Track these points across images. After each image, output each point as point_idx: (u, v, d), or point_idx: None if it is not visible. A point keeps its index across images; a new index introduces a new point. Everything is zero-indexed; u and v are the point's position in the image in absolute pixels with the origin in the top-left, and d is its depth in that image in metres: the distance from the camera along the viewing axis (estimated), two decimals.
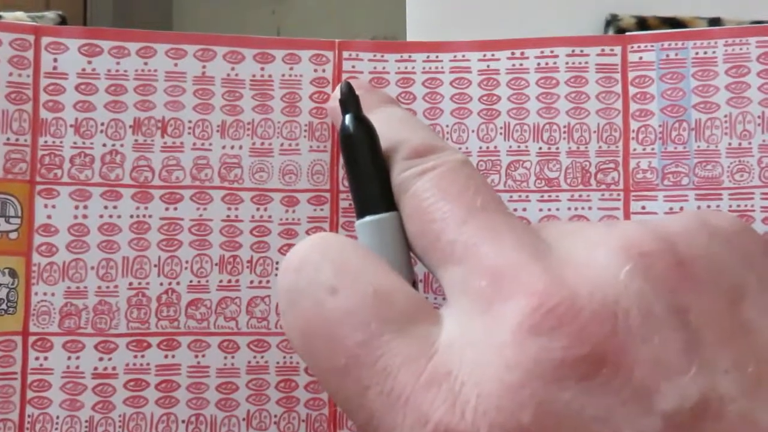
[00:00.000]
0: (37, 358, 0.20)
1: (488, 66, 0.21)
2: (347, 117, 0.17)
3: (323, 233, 0.15)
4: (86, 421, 0.20)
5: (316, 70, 0.21)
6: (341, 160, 0.21)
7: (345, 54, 0.21)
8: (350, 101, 0.17)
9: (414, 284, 0.17)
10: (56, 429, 0.19)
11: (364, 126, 0.17)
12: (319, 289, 0.14)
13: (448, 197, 0.15)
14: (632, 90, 0.21)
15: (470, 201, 0.15)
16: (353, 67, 0.21)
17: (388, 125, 0.18)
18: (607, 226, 0.14)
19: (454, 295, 0.14)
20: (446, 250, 0.14)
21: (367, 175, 0.17)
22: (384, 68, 0.21)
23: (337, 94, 0.19)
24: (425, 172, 0.16)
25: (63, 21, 0.21)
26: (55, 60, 0.20)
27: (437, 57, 0.21)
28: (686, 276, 0.12)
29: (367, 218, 0.17)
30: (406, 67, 0.21)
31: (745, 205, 0.20)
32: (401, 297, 0.13)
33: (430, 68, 0.21)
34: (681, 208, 0.20)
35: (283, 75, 0.21)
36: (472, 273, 0.13)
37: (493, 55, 0.21)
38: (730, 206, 0.20)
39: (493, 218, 0.14)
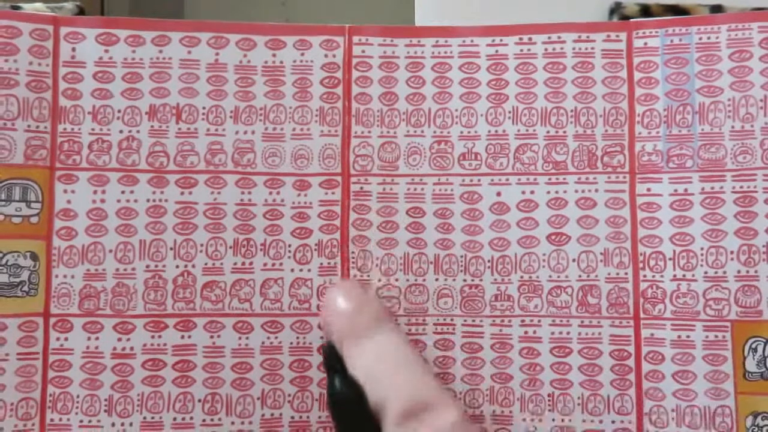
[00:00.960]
0: (57, 339, 0.22)
1: (497, 51, 0.23)
2: (335, 379, 0.19)
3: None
4: (105, 400, 0.22)
5: (326, 56, 0.23)
6: (352, 144, 0.23)
7: (355, 39, 0.23)
8: (334, 362, 0.19)
9: None
10: (77, 407, 0.22)
11: (350, 389, 0.18)
12: None
13: None
14: (637, 75, 0.23)
15: None
16: (363, 51, 0.23)
17: (378, 367, 0.19)
18: None
19: None
20: None
21: None
22: (394, 53, 0.23)
23: (328, 304, 0.21)
24: None
25: (81, 11, 0.23)
26: (74, 49, 0.22)
27: (446, 42, 0.23)
28: None
29: None
30: (415, 52, 0.23)
31: (748, 187, 0.22)
32: None
33: (439, 53, 0.23)
34: (685, 190, 0.22)
35: (295, 61, 0.23)
36: None
37: (501, 40, 0.23)
38: (734, 187, 0.22)
39: None
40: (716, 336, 0.21)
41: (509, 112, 0.23)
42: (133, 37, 0.22)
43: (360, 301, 0.21)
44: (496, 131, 0.23)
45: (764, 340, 0.21)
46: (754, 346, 0.21)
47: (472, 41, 0.23)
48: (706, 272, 0.22)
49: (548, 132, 0.23)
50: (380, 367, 0.19)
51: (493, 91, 0.23)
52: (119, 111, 0.22)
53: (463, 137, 0.23)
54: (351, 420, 0.18)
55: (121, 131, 0.22)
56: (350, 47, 0.23)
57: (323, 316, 0.22)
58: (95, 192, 0.22)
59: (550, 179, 0.23)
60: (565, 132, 0.23)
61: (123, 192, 0.22)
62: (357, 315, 0.21)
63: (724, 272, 0.22)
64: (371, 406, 0.18)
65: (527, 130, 0.23)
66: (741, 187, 0.22)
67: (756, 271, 0.21)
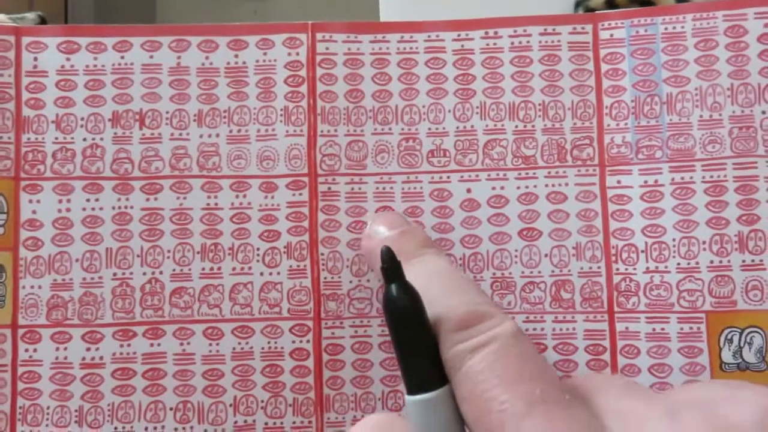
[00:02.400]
0: (26, 350, 0.24)
1: (462, 46, 0.26)
2: (393, 287, 0.19)
3: (373, 418, 0.18)
4: (76, 411, 0.24)
5: (290, 54, 0.26)
6: (318, 143, 0.25)
7: (318, 36, 0.26)
8: (393, 269, 0.19)
9: None
10: (47, 419, 0.24)
11: (410, 296, 0.19)
12: None
13: (503, 384, 0.17)
14: (604, 67, 0.25)
15: (528, 391, 0.17)
16: (327, 49, 0.26)
17: (430, 285, 0.20)
18: (670, 419, 0.16)
19: None
20: None
21: (415, 348, 0.19)
22: (358, 49, 0.26)
23: (371, 233, 0.23)
24: (476, 350, 0.18)
25: (43, 21, 0.26)
26: (36, 59, 0.24)
27: (411, 37, 0.26)
28: None
29: (419, 396, 0.19)
30: (380, 48, 0.26)
31: (718, 176, 0.24)
32: None
33: (404, 48, 0.26)
34: (655, 181, 0.24)
35: (257, 61, 0.25)
36: None
37: (467, 34, 0.26)
38: (703, 177, 0.24)
39: (553, 412, 0.17)
40: (691, 328, 0.24)
41: (477, 107, 0.25)
42: (95, 44, 0.25)
43: (403, 227, 0.23)
44: (464, 127, 0.25)
45: (739, 330, 0.23)
46: (729, 336, 0.23)
47: (437, 36, 0.26)
48: (678, 263, 0.24)
49: (517, 126, 0.25)
50: (433, 285, 0.20)
51: (460, 86, 0.26)
52: (82, 119, 0.25)
53: (432, 134, 0.25)
54: (408, 328, 0.19)
55: (84, 139, 0.25)
56: (314, 44, 0.26)
57: (366, 246, 0.24)
58: (60, 201, 0.24)
59: (519, 174, 0.25)
60: (533, 126, 0.25)
61: (88, 200, 0.25)
62: (402, 239, 0.23)
63: (697, 263, 0.24)
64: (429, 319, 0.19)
65: (495, 125, 0.25)
66: (711, 176, 0.24)
67: (729, 261, 0.24)
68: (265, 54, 0.26)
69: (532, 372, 0.18)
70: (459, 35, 0.26)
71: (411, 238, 0.23)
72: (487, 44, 0.25)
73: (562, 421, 0.17)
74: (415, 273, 0.20)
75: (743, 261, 0.24)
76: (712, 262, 0.24)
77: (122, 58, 0.25)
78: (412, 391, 0.19)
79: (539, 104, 0.25)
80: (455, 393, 0.19)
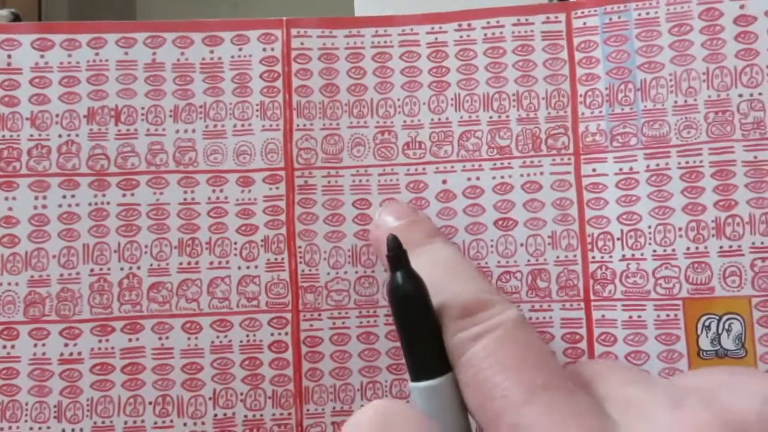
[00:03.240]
0: (4, 347, 0.23)
1: (436, 39, 0.25)
2: (398, 275, 0.19)
3: (379, 404, 0.17)
4: (55, 406, 0.23)
5: (264, 49, 0.25)
6: (294, 137, 0.24)
7: (293, 31, 0.25)
8: (399, 257, 0.19)
9: None
10: (26, 415, 0.23)
11: (414, 284, 0.19)
12: None
13: (506, 371, 0.17)
14: (578, 55, 0.24)
15: (530, 378, 0.17)
16: (302, 44, 0.25)
17: (435, 273, 0.20)
18: (672, 407, 0.16)
19: None
20: (498, 423, 0.16)
21: (419, 335, 0.19)
22: (333, 44, 0.25)
23: (379, 222, 0.23)
24: (479, 338, 0.18)
25: (17, 18, 0.25)
26: (9, 56, 0.24)
27: (386, 31, 0.25)
28: None
29: (424, 382, 0.19)
30: (355, 43, 0.25)
31: (694, 162, 0.23)
32: None
33: (379, 42, 0.25)
34: (630, 169, 0.23)
35: (233, 56, 0.25)
36: None
37: (440, 27, 0.25)
38: (679, 163, 0.23)
39: (554, 399, 0.16)
40: (668, 315, 0.23)
41: (451, 99, 0.24)
42: (69, 40, 0.24)
43: (411, 217, 0.23)
44: (439, 119, 0.24)
45: (717, 317, 0.22)
46: (707, 323, 0.22)
47: (411, 29, 0.25)
48: (654, 251, 0.23)
49: (491, 117, 0.24)
50: (438, 273, 0.20)
51: (434, 78, 0.25)
52: (57, 116, 0.24)
53: (407, 126, 0.25)
54: (413, 315, 0.19)
55: (60, 136, 0.24)
56: (288, 40, 0.25)
57: (374, 236, 0.23)
58: (36, 198, 0.24)
59: (494, 164, 0.24)
60: (507, 117, 0.24)
61: (64, 197, 0.24)
62: (409, 229, 0.22)
63: (673, 250, 0.23)
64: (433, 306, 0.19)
65: (470, 117, 0.24)
66: (687, 162, 0.23)
67: (706, 247, 0.23)
68: (240, 49, 0.25)
69: (534, 360, 0.17)
70: (433, 28, 0.25)
71: (418, 227, 0.22)
72: (461, 36, 0.25)
73: (563, 408, 0.16)
74: (421, 261, 0.20)
75: (720, 247, 0.23)
76: (688, 248, 0.23)
77: (97, 54, 0.24)
78: (416, 377, 0.19)
79: (513, 94, 0.24)
80: (458, 380, 0.18)
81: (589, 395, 0.17)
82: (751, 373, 0.18)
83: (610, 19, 0.24)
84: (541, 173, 0.24)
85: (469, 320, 0.18)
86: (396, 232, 0.21)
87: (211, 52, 0.25)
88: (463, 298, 0.19)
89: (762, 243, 0.22)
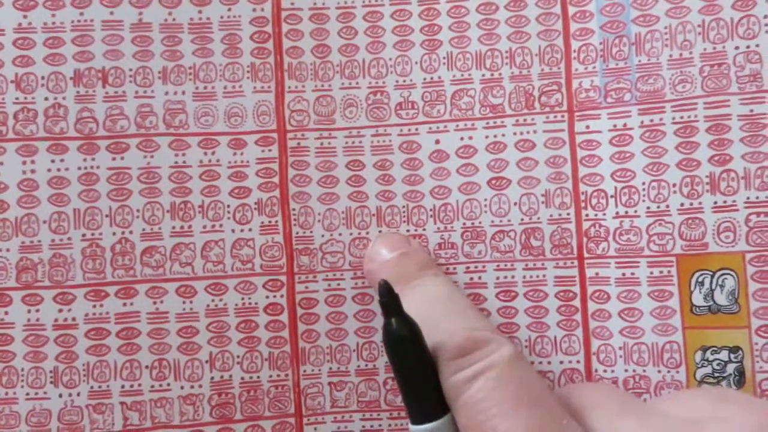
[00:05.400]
0: None
1: None
2: (392, 321, 0.18)
3: None
4: (51, 372, 0.21)
5: (254, 10, 0.22)
6: (286, 99, 0.22)
7: None
8: (391, 303, 0.18)
9: None
10: (22, 380, 0.21)
11: (408, 329, 0.18)
12: None
13: (502, 414, 0.16)
14: (571, 9, 0.22)
15: (526, 420, 0.16)
16: (292, 4, 0.22)
17: (429, 312, 0.19)
18: None
19: None
20: None
21: (416, 379, 0.18)
22: (324, 4, 0.23)
23: (372, 255, 0.21)
24: (475, 379, 0.17)
25: None
26: None
27: None
28: None
29: (423, 426, 0.18)
30: (346, 2, 0.23)
31: (689, 116, 0.21)
32: None
33: (369, 2, 0.22)
34: (624, 125, 0.21)
35: (222, 17, 0.22)
36: None
37: None
38: (673, 118, 0.21)
39: None
40: (661, 271, 0.21)
41: (444, 57, 0.22)
42: (52, 0, 0.21)
43: (404, 249, 0.21)
44: (432, 78, 0.22)
45: (711, 273, 0.21)
46: (700, 279, 0.21)
47: None
48: (648, 207, 0.21)
49: (483, 75, 0.22)
50: (432, 311, 0.19)
51: (426, 37, 0.22)
52: (43, 78, 0.21)
53: (399, 86, 0.22)
54: (409, 359, 0.18)
55: (46, 98, 0.21)
56: (279, 0, 0.22)
57: (368, 268, 0.22)
58: (24, 162, 0.21)
59: (487, 123, 0.22)
60: (500, 74, 0.22)
61: (53, 161, 0.21)
62: (402, 262, 0.21)
63: (667, 206, 0.21)
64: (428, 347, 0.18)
65: (462, 75, 0.22)
66: (681, 117, 0.21)
67: (700, 203, 0.21)
68: (229, 10, 0.22)
69: (530, 399, 0.17)
70: None
71: (411, 260, 0.21)
72: None
73: None
74: (414, 299, 0.19)
75: (715, 202, 0.21)
76: (682, 204, 0.21)
77: (81, 14, 0.22)
78: (415, 420, 0.18)
79: (506, 51, 0.22)
80: (456, 421, 0.17)
81: (581, 429, 0.17)
82: (733, 399, 0.17)
83: None
84: (535, 131, 0.22)
85: (464, 361, 0.17)
86: (389, 265, 0.20)
87: (200, 12, 0.22)
88: (457, 337, 0.18)
89: (757, 198, 0.20)
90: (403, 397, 0.18)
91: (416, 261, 0.21)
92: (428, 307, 0.19)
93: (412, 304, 0.18)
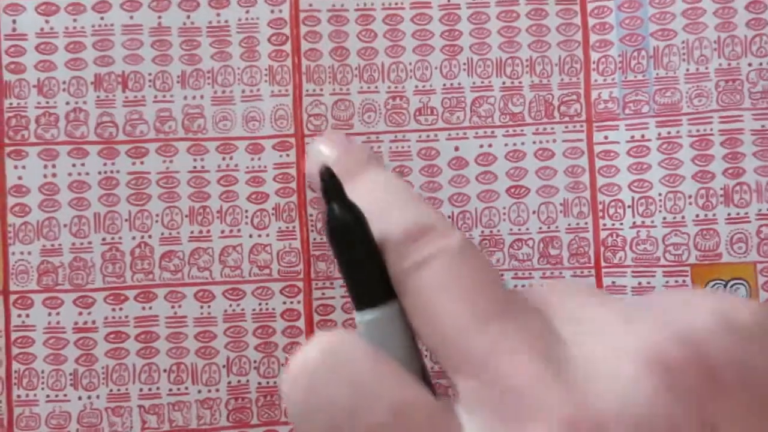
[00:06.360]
0: (19, 316, 0.27)
1: (449, 1, 0.28)
2: (333, 206, 0.20)
3: (328, 337, 0.18)
4: (71, 374, 0.27)
5: (272, 12, 0.28)
6: (304, 103, 0.28)
7: None
8: (333, 188, 0.20)
9: (425, 372, 0.20)
10: (42, 383, 0.27)
11: (351, 213, 0.20)
12: (335, 411, 0.17)
13: (452, 299, 0.18)
14: (591, 21, 0.28)
15: (478, 305, 0.18)
16: (311, 5, 0.28)
17: (374, 201, 0.21)
18: (625, 322, 0.17)
19: (471, 405, 0.17)
20: (458, 360, 0.18)
21: (360, 265, 0.20)
22: (343, 5, 0.28)
23: (311, 154, 0.25)
24: (423, 265, 0.19)
25: None
26: (14, 21, 0.27)
27: None
28: (715, 389, 0.15)
29: (368, 313, 0.20)
30: (365, 4, 0.28)
31: (705, 130, 0.27)
32: (421, 412, 0.17)
33: (390, 4, 0.28)
34: (642, 136, 0.27)
35: (240, 19, 0.28)
36: (490, 388, 0.17)
37: None
38: (690, 131, 0.27)
39: (503, 325, 0.18)
40: (676, 281, 0.27)
41: (464, 64, 0.28)
42: (74, 5, 0.27)
43: (345, 145, 0.25)
44: (452, 84, 0.28)
45: (724, 282, 0.27)
46: (714, 288, 0.27)
47: None
48: (664, 218, 0.27)
49: (504, 83, 0.28)
50: (378, 200, 0.21)
51: (446, 42, 0.28)
52: (64, 82, 0.27)
53: (418, 92, 0.28)
54: (353, 247, 0.20)
55: (67, 103, 0.27)
56: (297, 2, 0.28)
57: (309, 171, 0.26)
58: (46, 167, 0.27)
59: (507, 131, 0.28)
60: (520, 82, 0.28)
61: (74, 165, 0.27)
62: (344, 157, 0.24)
63: (683, 217, 0.27)
64: (374, 235, 0.20)
65: (483, 82, 0.28)
66: (697, 130, 0.27)
67: (714, 215, 0.27)
68: (247, 12, 0.28)
69: (482, 285, 0.18)
70: None
71: (352, 155, 0.25)
72: None
73: (514, 330, 0.18)
74: (358, 190, 0.21)
75: (728, 214, 0.27)
76: (697, 215, 0.27)
77: (102, 19, 0.27)
78: (360, 306, 0.20)
79: (526, 60, 0.28)
80: (405, 308, 0.20)
81: (540, 318, 0.19)
82: (706, 293, 0.20)
83: None
84: (554, 140, 0.28)
85: (412, 247, 0.19)
86: (329, 162, 0.22)
87: (218, 15, 0.28)
88: (405, 224, 0.20)
89: None
90: (348, 286, 0.20)
91: (359, 155, 0.24)
92: (374, 197, 0.21)
93: (356, 197, 0.20)
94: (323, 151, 0.26)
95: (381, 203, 0.21)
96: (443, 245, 0.19)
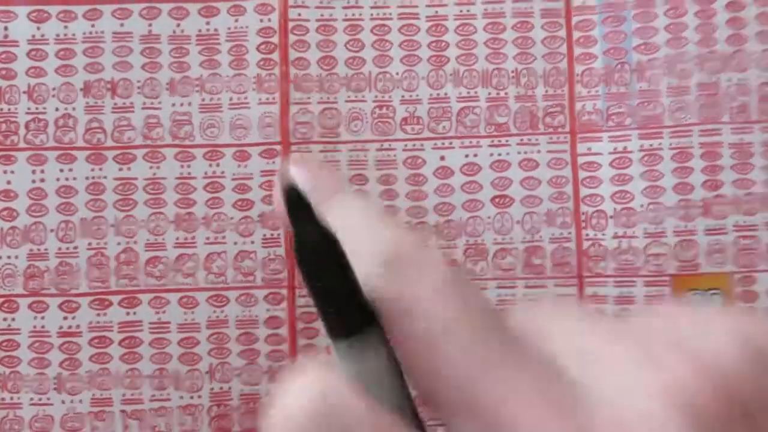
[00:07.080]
0: (5, 319, 0.32)
1: (436, 12, 0.33)
2: (302, 223, 0.21)
3: (315, 382, 0.18)
4: (54, 378, 0.32)
5: (261, 21, 0.33)
6: (291, 111, 0.33)
7: (290, 2, 0.33)
8: (301, 210, 0.21)
9: (411, 402, 0.21)
10: (27, 386, 0.32)
11: (320, 231, 0.20)
12: None
13: (451, 342, 0.19)
14: (576, 34, 0.33)
15: (480, 346, 0.19)
16: (299, 15, 0.33)
17: (348, 227, 0.21)
18: (645, 357, 0.18)
19: None
20: (460, 406, 0.19)
21: (336, 290, 0.20)
22: (331, 15, 0.34)
23: (279, 176, 0.25)
24: (406, 294, 0.19)
25: None
26: (6, 28, 0.32)
27: (385, 3, 0.33)
28: (745, 423, 0.17)
29: (347, 342, 0.20)
30: (353, 14, 0.34)
31: (685, 142, 0.32)
32: None
33: (378, 15, 0.34)
34: (624, 148, 0.32)
35: (229, 28, 0.33)
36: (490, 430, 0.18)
37: (440, 1, 0.33)
38: (671, 144, 0.32)
39: (510, 370, 0.18)
40: (657, 291, 0.32)
41: (450, 74, 0.33)
42: (65, 12, 0.32)
43: (315, 170, 0.26)
44: (438, 94, 0.33)
45: (701, 292, 0.32)
46: (692, 298, 0.32)
47: (410, 2, 0.33)
48: (645, 229, 0.32)
49: (489, 94, 0.33)
50: (352, 223, 0.22)
51: (433, 53, 0.33)
52: (54, 89, 0.32)
53: (405, 101, 0.33)
54: (322, 268, 0.20)
55: (57, 109, 0.32)
56: (286, 11, 0.33)
57: (276, 196, 0.27)
58: (34, 171, 0.32)
59: (492, 141, 0.33)
60: (506, 93, 0.33)
61: (62, 170, 0.32)
62: (314, 181, 0.25)
63: (664, 228, 0.32)
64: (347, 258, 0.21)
65: (468, 93, 0.33)
66: (678, 143, 0.32)
67: (694, 226, 0.32)
68: (236, 21, 0.33)
69: (481, 324, 0.19)
70: (432, 2, 0.33)
71: (324, 183, 0.25)
72: (461, 11, 0.33)
73: (514, 363, 0.19)
74: (330, 215, 0.22)
75: (707, 226, 0.32)
76: (677, 227, 0.32)
77: (93, 26, 0.32)
78: (338, 335, 0.20)
79: (512, 71, 0.33)
80: (395, 345, 0.20)
81: (545, 355, 0.19)
82: (725, 314, 0.20)
83: None
84: (538, 151, 0.33)
85: (392, 275, 0.20)
86: (299, 186, 0.23)
87: (207, 23, 0.33)
88: (382, 246, 0.20)
89: (744, 222, 0.32)
90: (323, 314, 0.21)
91: (330, 183, 0.25)
92: (346, 222, 0.22)
93: (330, 220, 0.21)
94: (293, 173, 0.26)
95: (356, 226, 0.22)
96: (426, 272, 0.20)
